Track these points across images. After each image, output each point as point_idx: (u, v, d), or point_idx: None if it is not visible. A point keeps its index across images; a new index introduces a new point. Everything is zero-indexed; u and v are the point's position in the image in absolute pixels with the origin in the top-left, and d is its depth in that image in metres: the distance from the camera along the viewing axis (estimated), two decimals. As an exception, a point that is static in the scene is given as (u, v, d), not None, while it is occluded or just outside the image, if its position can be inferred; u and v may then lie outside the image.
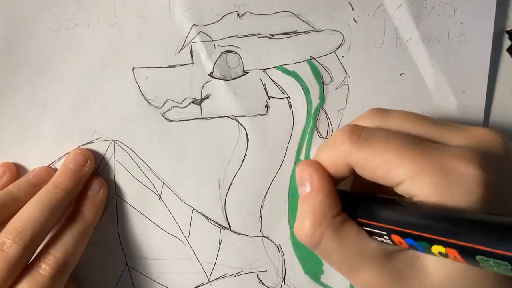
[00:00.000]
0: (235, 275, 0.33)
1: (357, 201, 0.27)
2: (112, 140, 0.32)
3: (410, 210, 0.24)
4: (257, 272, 0.33)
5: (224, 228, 0.33)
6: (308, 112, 0.33)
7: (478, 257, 0.20)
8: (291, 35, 0.32)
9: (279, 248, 0.33)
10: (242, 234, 0.33)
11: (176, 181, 0.33)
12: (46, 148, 0.32)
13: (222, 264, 0.33)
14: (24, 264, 0.28)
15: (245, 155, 0.33)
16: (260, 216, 0.33)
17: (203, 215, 0.33)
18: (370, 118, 0.28)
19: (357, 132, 0.26)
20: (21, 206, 0.30)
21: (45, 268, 0.28)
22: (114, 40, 0.32)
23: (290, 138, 0.33)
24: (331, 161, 0.27)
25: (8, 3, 0.31)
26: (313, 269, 0.33)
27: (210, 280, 0.33)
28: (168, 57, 0.32)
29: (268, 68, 0.32)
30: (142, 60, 0.32)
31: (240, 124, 0.33)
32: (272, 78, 0.33)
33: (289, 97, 0.33)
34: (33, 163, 0.32)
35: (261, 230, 0.33)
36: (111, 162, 0.33)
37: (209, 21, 0.32)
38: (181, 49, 0.32)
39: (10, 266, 0.27)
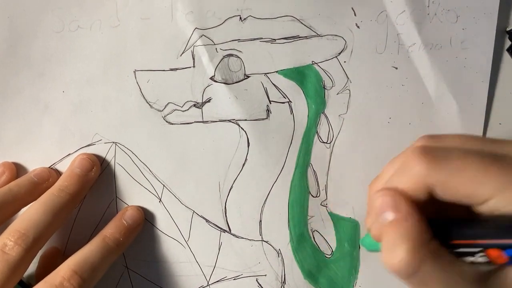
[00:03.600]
0: (235, 278, 0.33)
1: (441, 226, 0.25)
2: (113, 142, 0.32)
3: (501, 222, 0.23)
4: (257, 276, 0.33)
5: (224, 231, 0.33)
6: (309, 117, 0.33)
7: None
8: (293, 40, 0.32)
9: (278, 252, 0.33)
10: (242, 238, 0.33)
11: (177, 184, 0.33)
12: (47, 149, 0.32)
13: (221, 267, 0.33)
14: (25, 267, 0.28)
15: (246, 159, 0.33)
16: (260, 221, 0.33)
17: (203, 218, 0.33)
18: (426, 141, 0.26)
19: (432, 152, 0.24)
20: (21, 205, 0.30)
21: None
22: (116, 43, 0.32)
23: (291, 143, 0.33)
24: (407, 186, 0.25)
25: (11, 5, 0.32)
26: (313, 275, 0.33)
27: (209, 283, 0.33)
28: (170, 60, 0.32)
29: (270, 73, 0.32)
30: (143, 63, 0.32)
31: (241, 128, 0.33)
32: (274, 82, 0.32)
33: (290, 101, 0.33)
34: (34, 164, 0.32)
35: (261, 234, 0.33)
36: (112, 164, 0.32)
37: (211, 24, 0.32)
38: (182, 52, 0.32)
39: (11, 268, 0.27)
